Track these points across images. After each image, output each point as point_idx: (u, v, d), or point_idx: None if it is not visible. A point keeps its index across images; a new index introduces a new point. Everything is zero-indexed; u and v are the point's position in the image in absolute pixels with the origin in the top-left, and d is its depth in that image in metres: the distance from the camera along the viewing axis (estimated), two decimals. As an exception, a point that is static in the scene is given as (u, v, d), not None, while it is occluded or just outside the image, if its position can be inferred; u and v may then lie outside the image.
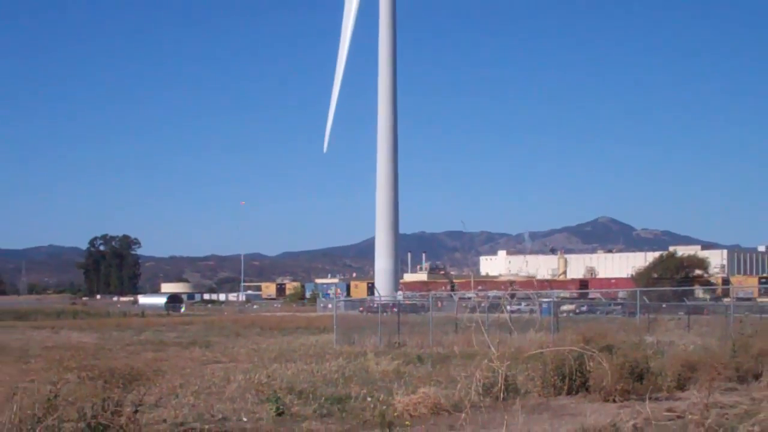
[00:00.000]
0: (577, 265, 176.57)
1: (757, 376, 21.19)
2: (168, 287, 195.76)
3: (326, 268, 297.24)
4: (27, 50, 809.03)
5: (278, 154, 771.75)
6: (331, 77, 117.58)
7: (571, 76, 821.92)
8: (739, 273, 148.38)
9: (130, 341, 44.52)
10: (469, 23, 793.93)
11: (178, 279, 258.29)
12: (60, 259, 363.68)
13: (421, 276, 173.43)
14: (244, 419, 16.85)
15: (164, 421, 16.11)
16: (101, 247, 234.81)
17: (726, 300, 68.17)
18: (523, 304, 67.89)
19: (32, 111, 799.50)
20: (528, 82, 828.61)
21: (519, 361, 20.08)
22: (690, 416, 15.37)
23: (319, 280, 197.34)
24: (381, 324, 40.96)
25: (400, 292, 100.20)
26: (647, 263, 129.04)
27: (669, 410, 16.84)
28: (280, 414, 17.21)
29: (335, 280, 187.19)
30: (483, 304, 42.06)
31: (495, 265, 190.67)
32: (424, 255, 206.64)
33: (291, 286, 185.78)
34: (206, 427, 15.77)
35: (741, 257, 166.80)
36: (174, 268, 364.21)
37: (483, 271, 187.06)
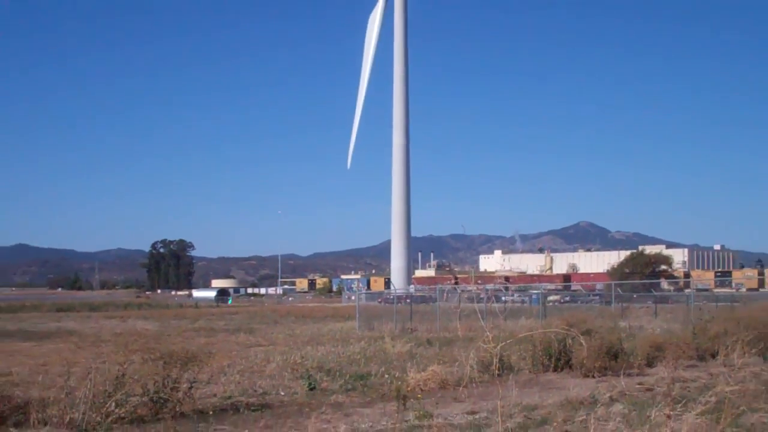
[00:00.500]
0: (561, 262, 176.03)
1: (713, 355, 21.11)
2: (217, 283, 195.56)
3: (350, 266, 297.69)
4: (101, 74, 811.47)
5: (310, 170, 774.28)
6: (353, 107, 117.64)
7: (551, 99, 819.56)
8: (698, 268, 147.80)
9: (186, 328, 44.56)
10: (463, 45, 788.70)
11: (226, 276, 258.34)
12: (127, 260, 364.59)
13: (430, 272, 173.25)
14: (282, 393, 16.86)
15: (214, 395, 16.14)
16: (161, 250, 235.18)
17: (687, 291, 67.73)
18: (516, 295, 67.79)
19: (98, 137, 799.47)
20: (521, 106, 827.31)
21: (512, 343, 20.01)
22: (658, 389, 15.33)
23: (344, 276, 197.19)
24: (396, 313, 40.91)
25: (412, 286, 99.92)
26: (620, 260, 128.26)
27: (640, 384, 16.78)
28: (312, 389, 17.22)
29: (358, 276, 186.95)
30: (482, 296, 41.97)
31: (492, 262, 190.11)
32: (432, 254, 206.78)
33: (320, 281, 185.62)
34: (250, 400, 15.78)
35: (699, 255, 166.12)
36: (222, 266, 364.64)
37: (482, 267, 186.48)
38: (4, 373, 19.77)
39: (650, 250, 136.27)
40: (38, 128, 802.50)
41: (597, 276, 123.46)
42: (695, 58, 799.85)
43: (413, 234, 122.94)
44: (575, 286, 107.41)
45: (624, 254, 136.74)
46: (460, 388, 16.69)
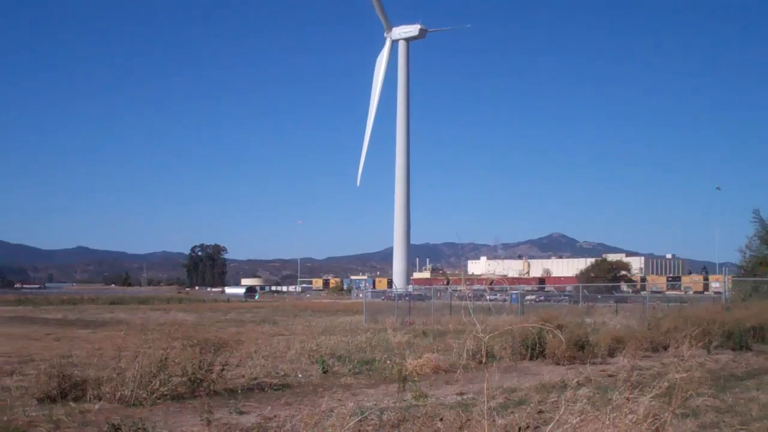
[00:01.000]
0: (536, 267, 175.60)
1: (665, 347, 21.08)
2: (246, 281, 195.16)
3: (358, 268, 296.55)
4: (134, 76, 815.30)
5: (326, 186, 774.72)
6: (363, 133, 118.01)
7: (528, 130, 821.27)
8: (652, 273, 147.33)
9: (219, 320, 44.53)
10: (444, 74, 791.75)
11: (253, 275, 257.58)
12: (170, 261, 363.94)
13: (426, 274, 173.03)
14: (300, 376, 16.84)
15: (243, 376, 16.11)
16: (199, 253, 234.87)
17: (643, 293, 67.70)
18: (499, 294, 67.60)
19: (146, 156, 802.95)
20: (503, 135, 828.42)
21: (495, 336, 19.97)
22: (618, 375, 15.28)
23: (353, 277, 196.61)
24: (397, 308, 40.85)
25: (410, 286, 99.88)
26: (587, 266, 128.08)
27: (603, 371, 16.76)
28: (325, 372, 17.20)
29: (365, 277, 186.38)
30: (470, 294, 41.88)
31: (478, 267, 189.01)
32: (427, 260, 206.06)
33: (333, 281, 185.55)
34: (273, 381, 15.76)
35: (654, 262, 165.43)
36: (250, 267, 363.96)
37: (470, 271, 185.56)
38: (65, 356, 19.76)
39: (612, 257, 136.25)
40: (99, 148, 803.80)
41: (567, 279, 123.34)
42: (644, 85, 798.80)
43: (412, 242, 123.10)
44: (548, 287, 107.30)
45: (590, 261, 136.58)
46: (457, 372, 16.66)
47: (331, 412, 9.44)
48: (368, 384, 15.69)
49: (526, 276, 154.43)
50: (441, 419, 9.50)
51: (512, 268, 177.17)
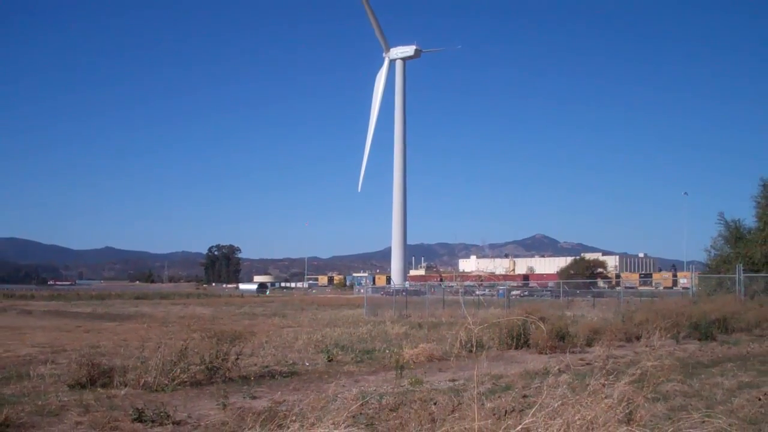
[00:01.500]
0: (521, 265, 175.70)
1: (638, 338, 21.06)
2: (258, 278, 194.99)
3: (360, 266, 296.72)
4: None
5: (330, 191, 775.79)
6: (364, 142, 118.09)
7: (515, 140, 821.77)
8: (626, 270, 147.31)
9: (234, 313, 44.52)
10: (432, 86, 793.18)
11: (265, 273, 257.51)
12: (189, 260, 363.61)
13: (421, 272, 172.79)
14: (307, 364, 16.83)
15: (255, 365, 16.11)
16: (215, 252, 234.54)
17: (618, 288, 67.51)
18: (487, 290, 67.56)
19: (165, 165, 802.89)
20: (492, 145, 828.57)
21: (484, 327, 19.94)
22: (595, 363, 15.25)
23: (355, 274, 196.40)
24: (395, 303, 40.84)
25: (407, 282, 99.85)
26: (567, 264, 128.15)
27: (581, 359, 16.74)
28: (330, 360, 17.19)
29: (366, 274, 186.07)
30: (461, 290, 41.86)
31: (469, 265, 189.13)
32: (422, 258, 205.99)
33: (337, 278, 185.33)
34: (282, 369, 15.75)
35: (628, 260, 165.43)
36: (262, 265, 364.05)
37: (461, 268, 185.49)
38: (94, 346, 19.77)
39: (590, 256, 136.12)
40: (125, 157, 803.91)
41: (549, 276, 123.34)
42: (617, 97, 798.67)
43: (408, 242, 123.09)
44: (532, 283, 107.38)
45: (570, 260, 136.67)
46: (450, 360, 16.66)
47: (336, 396, 9.45)
48: (369, 371, 15.68)
49: (511, 273, 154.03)
50: (435, 403, 9.50)
51: (499, 266, 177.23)
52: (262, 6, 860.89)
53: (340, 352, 18.72)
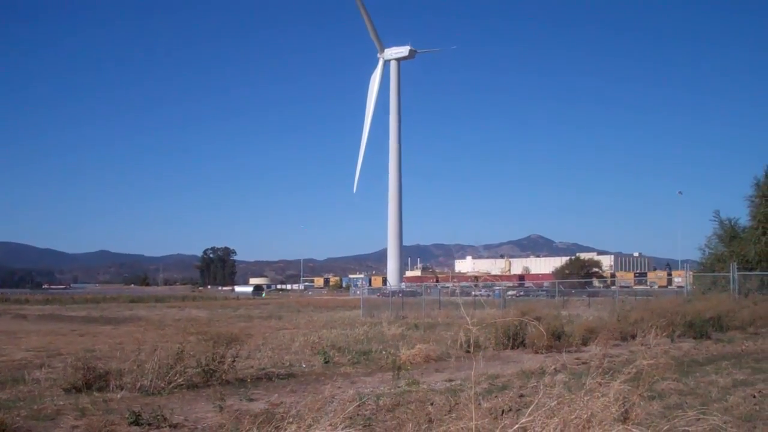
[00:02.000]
0: (517, 266, 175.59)
1: (633, 337, 21.13)
2: (254, 280, 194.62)
3: (356, 267, 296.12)
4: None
5: (325, 192, 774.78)
6: (359, 144, 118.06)
7: (511, 140, 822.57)
8: (621, 270, 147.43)
9: (230, 315, 44.48)
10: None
11: (260, 275, 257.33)
12: (184, 263, 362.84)
13: (417, 273, 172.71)
14: (303, 366, 16.82)
15: (252, 367, 16.09)
16: (210, 255, 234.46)
17: (613, 288, 67.67)
18: (483, 290, 67.65)
19: (159, 168, 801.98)
20: (488, 145, 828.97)
21: (481, 328, 19.96)
22: (591, 362, 15.30)
23: (351, 275, 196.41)
24: (391, 304, 40.90)
25: (403, 283, 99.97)
26: (562, 264, 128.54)
27: (577, 359, 16.79)
28: (326, 362, 17.18)
29: (362, 275, 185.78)
30: (457, 290, 41.96)
31: (465, 265, 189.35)
32: (418, 259, 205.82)
33: (333, 280, 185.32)
34: (279, 371, 15.74)
35: (623, 260, 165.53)
36: (257, 268, 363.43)
37: (457, 269, 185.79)
38: (89, 350, 19.73)
39: (585, 256, 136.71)
40: (119, 160, 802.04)
41: (544, 276, 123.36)
42: (610, 97, 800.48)
43: (404, 243, 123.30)
44: (528, 283, 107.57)
45: (565, 259, 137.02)
46: (447, 361, 16.68)
47: (333, 398, 9.46)
48: (366, 373, 15.69)
49: (507, 273, 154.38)
50: (432, 403, 9.51)
51: (495, 266, 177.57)
52: (254, 8, 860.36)
53: (336, 354, 18.71)
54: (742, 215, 38.97)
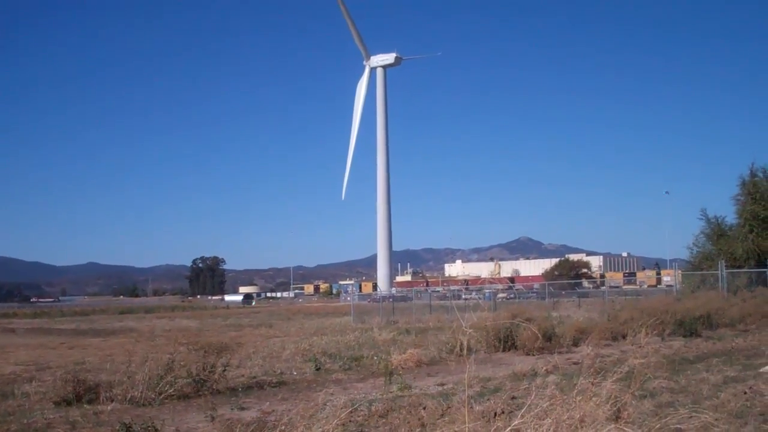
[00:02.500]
0: (507, 268, 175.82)
1: (624, 336, 21.16)
2: (243, 289, 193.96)
3: (346, 273, 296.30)
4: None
5: (315, 199, 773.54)
6: (347, 151, 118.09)
7: (499, 142, 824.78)
8: (610, 270, 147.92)
9: (220, 325, 44.34)
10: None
11: (250, 283, 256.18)
12: (173, 273, 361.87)
13: (407, 278, 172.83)
14: (295, 373, 16.77)
15: (242, 376, 16.03)
16: (200, 264, 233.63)
17: (602, 288, 67.96)
18: (474, 293, 67.73)
19: (150, 179, 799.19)
20: (477, 146, 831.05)
21: (472, 330, 19.95)
22: (582, 363, 15.33)
23: (341, 282, 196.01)
24: (382, 309, 40.89)
25: (393, 288, 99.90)
26: (552, 266, 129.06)
27: (568, 359, 16.81)
28: (318, 369, 17.13)
29: (352, 282, 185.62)
30: (448, 294, 41.97)
31: (455, 269, 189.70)
32: (408, 264, 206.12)
33: (323, 286, 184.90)
34: (270, 379, 15.67)
35: (611, 260, 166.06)
36: (247, 276, 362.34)
37: (447, 273, 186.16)
38: (79, 362, 19.62)
39: (574, 257, 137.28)
40: (106, 172, 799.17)
41: (534, 278, 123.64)
42: (598, 97, 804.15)
43: (393, 248, 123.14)
44: (518, 286, 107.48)
45: (554, 261, 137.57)
46: (434, 366, 16.67)
47: (325, 405, 9.41)
48: (357, 378, 15.65)
49: (497, 276, 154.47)
50: (424, 408, 9.50)
51: (485, 269, 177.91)
52: (238, 14, 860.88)
53: (328, 361, 18.66)
54: (728, 213, 39.07)
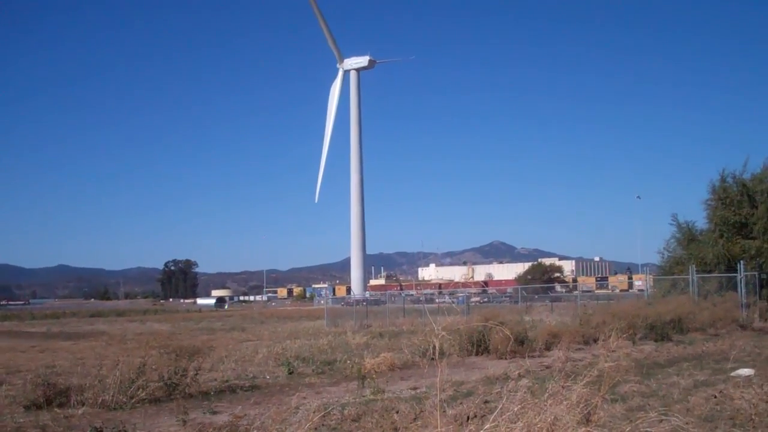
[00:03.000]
0: (480, 272, 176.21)
1: (596, 340, 21.35)
2: (216, 292, 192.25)
3: (319, 277, 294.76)
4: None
5: (287, 202, 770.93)
6: (320, 153, 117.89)
7: (470, 148, 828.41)
8: (583, 275, 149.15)
9: (192, 328, 43.99)
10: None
11: (223, 287, 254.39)
12: (145, 276, 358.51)
13: (381, 281, 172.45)
14: (267, 377, 16.72)
15: (215, 380, 15.95)
16: (172, 267, 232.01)
17: (575, 292, 68.55)
18: (447, 297, 67.89)
19: (121, 181, 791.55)
20: (447, 150, 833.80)
21: (445, 334, 19.97)
22: (554, 366, 15.45)
23: (315, 285, 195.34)
24: (355, 313, 40.83)
25: (367, 292, 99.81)
26: (525, 270, 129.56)
27: (541, 363, 16.93)
28: (290, 373, 17.10)
29: (325, 285, 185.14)
30: (421, 298, 42.04)
31: (428, 273, 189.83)
32: (382, 268, 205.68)
33: (297, 290, 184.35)
34: (243, 383, 15.62)
35: (584, 265, 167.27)
36: (219, 279, 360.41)
37: (420, 277, 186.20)
38: (49, 366, 19.37)
39: (547, 261, 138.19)
40: (76, 173, 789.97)
41: (507, 282, 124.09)
42: (570, 101, 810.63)
43: (368, 252, 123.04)
44: (491, 290, 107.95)
45: (527, 265, 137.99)
46: (407, 370, 16.68)
47: (297, 409, 9.40)
48: (330, 382, 15.64)
49: (470, 280, 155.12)
50: (397, 412, 9.53)
51: (458, 273, 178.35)
52: (209, 17, 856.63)
53: (301, 365, 18.62)
54: (699, 218, 39.47)
